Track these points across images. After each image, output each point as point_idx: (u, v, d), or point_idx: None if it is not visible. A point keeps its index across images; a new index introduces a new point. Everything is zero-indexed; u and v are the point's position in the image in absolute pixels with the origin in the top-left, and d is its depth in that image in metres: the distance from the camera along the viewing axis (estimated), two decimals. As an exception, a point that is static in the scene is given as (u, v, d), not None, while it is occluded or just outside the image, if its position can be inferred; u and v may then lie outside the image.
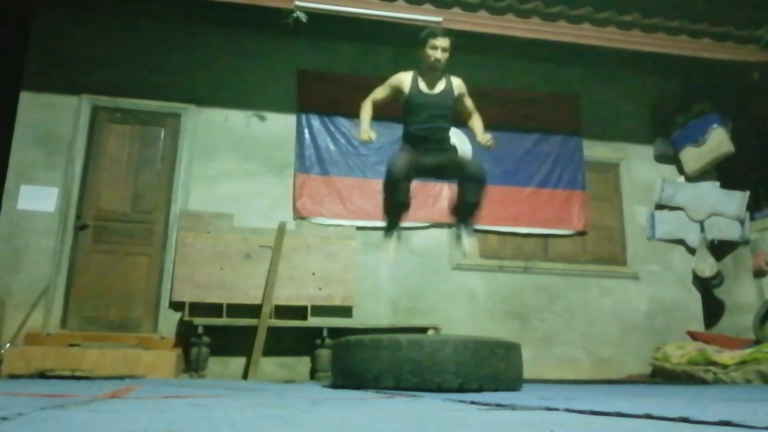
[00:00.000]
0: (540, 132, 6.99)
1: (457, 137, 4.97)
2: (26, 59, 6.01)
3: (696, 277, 6.95)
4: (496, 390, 3.26)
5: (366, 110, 4.01)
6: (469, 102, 4.13)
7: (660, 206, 7.11)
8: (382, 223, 6.27)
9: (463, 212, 4.08)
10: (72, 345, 5.10)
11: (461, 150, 4.25)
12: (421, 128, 3.92)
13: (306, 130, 6.43)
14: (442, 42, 3.88)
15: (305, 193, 6.26)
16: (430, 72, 3.94)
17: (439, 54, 3.85)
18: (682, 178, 7.23)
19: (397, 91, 3.99)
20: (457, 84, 4.04)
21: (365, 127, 3.92)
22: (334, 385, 3.73)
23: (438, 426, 1.42)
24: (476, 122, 4.13)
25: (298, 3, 5.44)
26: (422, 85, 3.96)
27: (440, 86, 3.98)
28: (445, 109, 3.99)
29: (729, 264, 7.06)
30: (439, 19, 5.76)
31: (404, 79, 3.98)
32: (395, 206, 4.05)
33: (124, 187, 6.03)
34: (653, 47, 6.25)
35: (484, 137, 3.99)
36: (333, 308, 6.01)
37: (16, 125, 5.85)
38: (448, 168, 4.01)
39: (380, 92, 4.05)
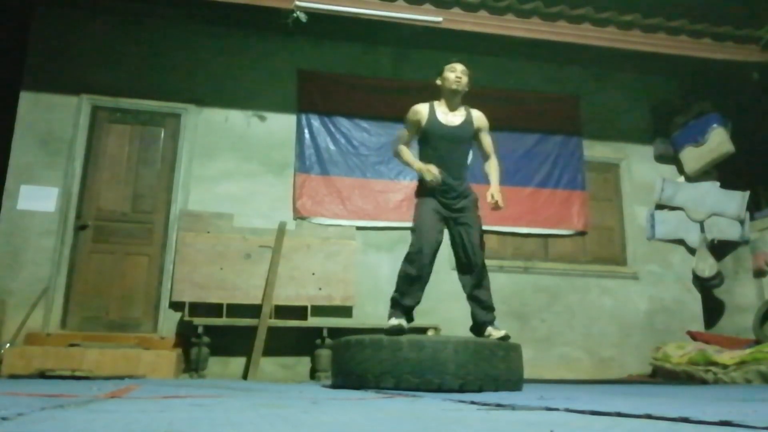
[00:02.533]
0: (540, 132, 7.00)
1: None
2: (26, 59, 6.01)
3: (696, 277, 6.95)
4: (496, 390, 3.26)
5: (405, 154, 3.89)
6: (487, 139, 3.94)
7: (660, 206, 7.11)
8: (382, 223, 6.38)
9: (481, 318, 3.79)
10: (72, 345, 5.09)
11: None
12: (439, 162, 3.73)
13: (306, 130, 6.43)
14: (461, 66, 3.81)
15: (305, 193, 6.26)
16: (450, 98, 3.81)
17: (459, 74, 3.77)
18: (682, 178, 7.23)
19: (417, 125, 3.84)
20: (477, 117, 3.88)
21: (421, 166, 3.72)
22: (334, 385, 3.73)
23: (438, 426, 1.42)
24: (493, 169, 3.91)
25: (298, 3, 5.44)
26: (440, 116, 3.80)
27: (459, 117, 3.82)
28: (464, 142, 3.84)
29: (729, 264, 7.05)
30: (439, 19, 5.76)
31: (420, 110, 3.83)
32: (415, 293, 3.76)
33: (124, 187, 6.03)
34: (653, 47, 6.25)
35: (493, 194, 3.75)
36: (333, 308, 6.01)
37: (16, 125, 5.85)
38: (457, 234, 3.81)
39: (405, 134, 3.94)
